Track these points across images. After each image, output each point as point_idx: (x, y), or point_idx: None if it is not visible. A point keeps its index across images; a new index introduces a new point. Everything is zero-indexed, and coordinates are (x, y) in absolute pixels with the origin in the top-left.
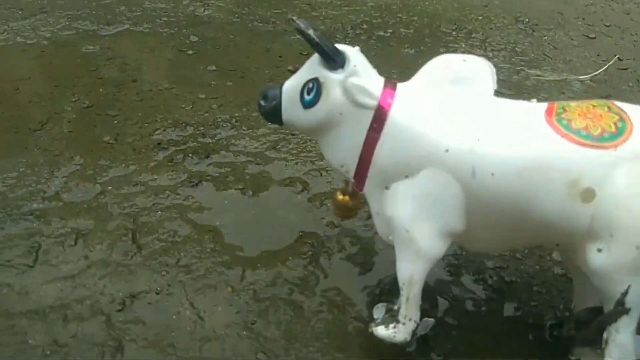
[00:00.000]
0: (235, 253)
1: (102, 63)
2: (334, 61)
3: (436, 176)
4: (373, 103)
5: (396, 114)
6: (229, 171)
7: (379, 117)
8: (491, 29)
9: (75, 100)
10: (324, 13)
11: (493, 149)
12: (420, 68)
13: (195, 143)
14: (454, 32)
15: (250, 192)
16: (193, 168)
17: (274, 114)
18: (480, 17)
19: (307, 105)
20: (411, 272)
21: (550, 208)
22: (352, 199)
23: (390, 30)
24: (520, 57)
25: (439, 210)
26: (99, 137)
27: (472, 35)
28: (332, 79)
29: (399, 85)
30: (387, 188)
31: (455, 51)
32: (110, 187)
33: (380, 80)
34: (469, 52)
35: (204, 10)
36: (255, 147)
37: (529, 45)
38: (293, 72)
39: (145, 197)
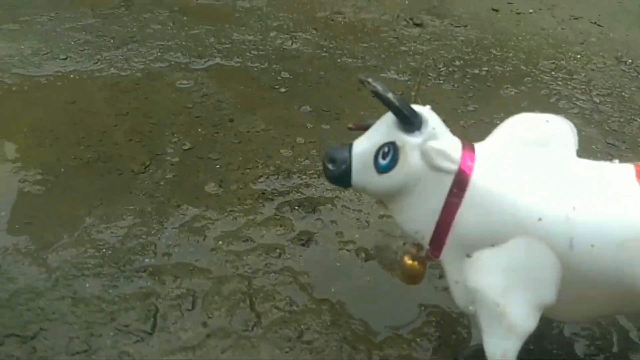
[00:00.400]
0: (358, 329)
1: (197, 100)
2: (412, 124)
3: (529, 246)
4: (454, 167)
5: (479, 178)
6: (338, 229)
7: (460, 181)
8: (592, 69)
9: (175, 141)
10: (412, 48)
11: (592, 218)
12: (523, 111)
13: (299, 194)
14: (552, 72)
15: (363, 255)
16: (300, 223)
17: (343, 178)
18: (579, 56)
19: (383, 170)
20: (503, 349)
21: None
22: (420, 264)
23: (485, 68)
24: (629, 105)
25: (533, 283)
26: (203, 183)
27: (573, 77)
28: (411, 143)
29: (477, 146)
30: (468, 256)
31: (558, 94)
32: (220, 243)
33: (457, 142)
34: (573, 96)
35: (292, 43)
36: (361, 202)
37: (636, 90)
38: (355, 129)
39: (257, 256)
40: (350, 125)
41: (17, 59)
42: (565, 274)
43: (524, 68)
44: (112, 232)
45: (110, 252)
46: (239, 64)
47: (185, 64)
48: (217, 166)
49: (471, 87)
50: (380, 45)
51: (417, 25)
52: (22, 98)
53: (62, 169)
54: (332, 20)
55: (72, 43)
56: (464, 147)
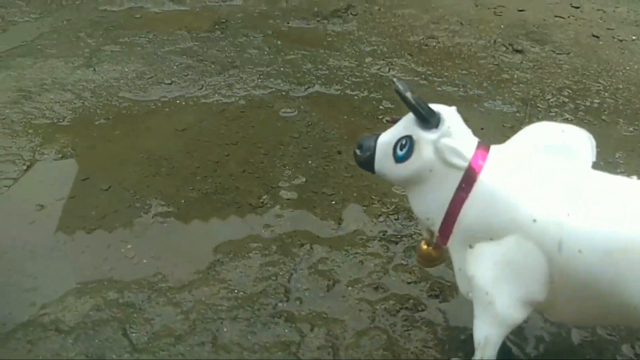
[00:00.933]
0: None
1: (303, 129)
2: (428, 122)
3: (521, 244)
4: (463, 164)
5: (486, 177)
6: None
7: (469, 178)
8: None
9: (288, 174)
10: (515, 76)
11: (583, 225)
12: None
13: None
14: None
15: None
16: (431, 270)
17: (368, 163)
18: None
19: (399, 159)
20: (486, 334)
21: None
22: (435, 250)
23: (596, 101)
24: None
25: (521, 278)
26: (322, 220)
27: None
28: (425, 138)
29: (493, 149)
30: (470, 246)
31: None
32: (350, 289)
33: (474, 141)
34: None
35: (389, 69)
36: None
37: None
38: (390, 122)
39: (391, 306)
40: (387, 119)
41: (122, 82)
42: (554, 276)
43: (636, 101)
44: (241, 272)
45: (242, 293)
46: (338, 92)
47: (286, 91)
48: (333, 202)
49: (585, 122)
50: (480, 72)
51: (518, 51)
52: (133, 123)
53: (182, 200)
54: (426, 45)
55: (175, 67)
56: (478, 147)
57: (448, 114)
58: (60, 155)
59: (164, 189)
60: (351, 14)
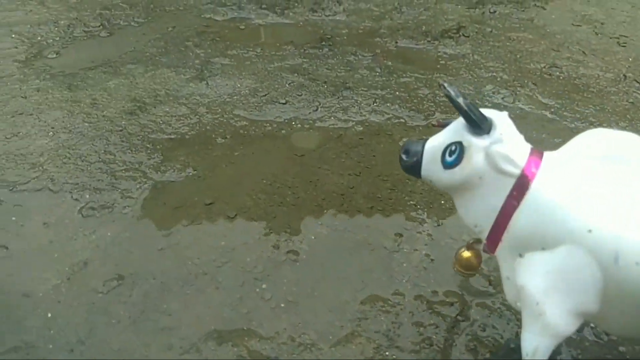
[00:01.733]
0: None
1: None
2: (480, 128)
3: (575, 255)
4: (516, 171)
5: (539, 185)
6: None
7: (521, 185)
8: None
9: (421, 216)
10: None
11: None
12: None
13: None
14: None
15: None
16: None
17: (414, 169)
18: None
19: (448, 165)
20: (536, 345)
21: None
22: (476, 258)
23: None
24: None
25: (574, 289)
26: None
27: None
28: (477, 144)
29: (546, 155)
30: (520, 255)
31: None
32: None
33: (527, 147)
34: None
35: (513, 100)
36: None
37: None
38: (437, 126)
39: None
40: (433, 122)
41: (236, 99)
42: (608, 287)
43: None
44: (389, 329)
45: (394, 356)
46: None
47: (404, 118)
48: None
49: None
50: (614, 110)
51: None
52: (251, 144)
53: (312, 237)
54: (549, 74)
55: (287, 85)
56: (531, 154)
57: (500, 120)
58: (182, 175)
59: (291, 222)
60: (463, 35)
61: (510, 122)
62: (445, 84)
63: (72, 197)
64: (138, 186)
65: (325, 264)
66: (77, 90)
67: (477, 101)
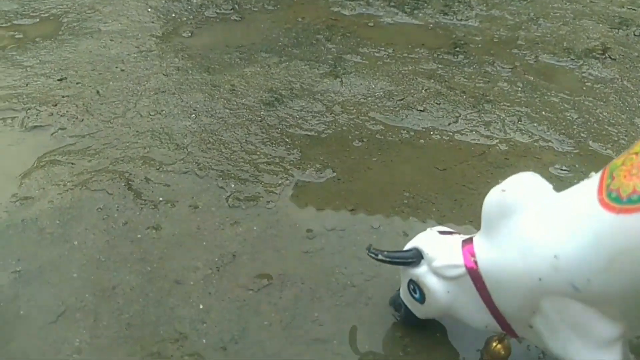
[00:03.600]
0: None
1: None
2: (410, 263)
3: (553, 303)
4: (462, 270)
5: (484, 267)
6: None
7: (475, 277)
8: None
9: None
10: None
11: (571, 260)
12: None
13: None
14: None
15: None
16: None
17: (411, 318)
18: None
19: (420, 301)
20: None
21: None
22: (504, 349)
23: None
24: None
25: (580, 330)
26: None
27: None
28: (421, 274)
29: (475, 238)
30: (530, 327)
31: None
32: None
33: (458, 242)
34: None
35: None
36: None
37: None
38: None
39: None
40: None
41: (371, 100)
42: (598, 307)
43: None
44: None
45: None
46: (615, 153)
47: (554, 142)
48: None
49: None
50: None
51: None
52: (389, 151)
53: None
54: None
55: (424, 92)
56: (463, 245)
57: (422, 242)
58: (322, 176)
59: None
60: (610, 57)
61: (432, 232)
62: (367, 251)
63: (217, 184)
64: (280, 182)
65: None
66: (216, 74)
67: (632, 133)
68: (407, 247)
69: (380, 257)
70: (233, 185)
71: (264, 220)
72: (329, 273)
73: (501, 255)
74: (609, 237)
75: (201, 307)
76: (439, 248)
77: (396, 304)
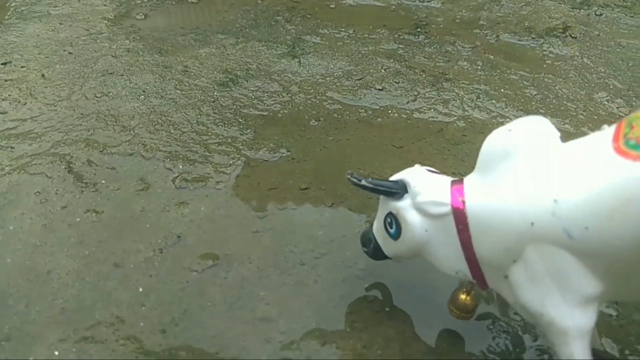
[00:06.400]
0: None
1: None
2: (394, 194)
3: (539, 250)
4: (446, 209)
5: (472, 208)
6: None
7: (459, 217)
8: None
9: None
10: None
11: (572, 206)
12: None
13: None
14: None
15: None
16: None
17: (378, 254)
18: None
19: (395, 236)
20: (570, 352)
21: None
22: (472, 300)
23: None
24: None
25: (562, 282)
26: None
27: None
28: (402, 206)
29: (466, 179)
30: (505, 277)
31: None
32: None
33: (447, 181)
34: None
35: (629, 111)
36: None
37: None
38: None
39: None
40: (347, 174)
41: (329, 80)
42: (587, 262)
43: None
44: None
45: None
46: (573, 129)
47: (512, 118)
48: None
49: None
50: None
51: None
52: (345, 129)
53: None
54: None
55: (383, 71)
56: (452, 185)
57: (410, 175)
58: (275, 155)
59: None
60: (570, 35)
61: (421, 169)
62: (348, 174)
63: (165, 166)
64: (231, 162)
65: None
66: (168, 55)
67: (590, 108)
68: (392, 179)
69: (363, 182)
70: (181, 167)
71: (213, 200)
72: (278, 252)
73: (494, 197)
74: (622, 184)
75: (141, 290)
76: (425, 184)
77: (365, 238)
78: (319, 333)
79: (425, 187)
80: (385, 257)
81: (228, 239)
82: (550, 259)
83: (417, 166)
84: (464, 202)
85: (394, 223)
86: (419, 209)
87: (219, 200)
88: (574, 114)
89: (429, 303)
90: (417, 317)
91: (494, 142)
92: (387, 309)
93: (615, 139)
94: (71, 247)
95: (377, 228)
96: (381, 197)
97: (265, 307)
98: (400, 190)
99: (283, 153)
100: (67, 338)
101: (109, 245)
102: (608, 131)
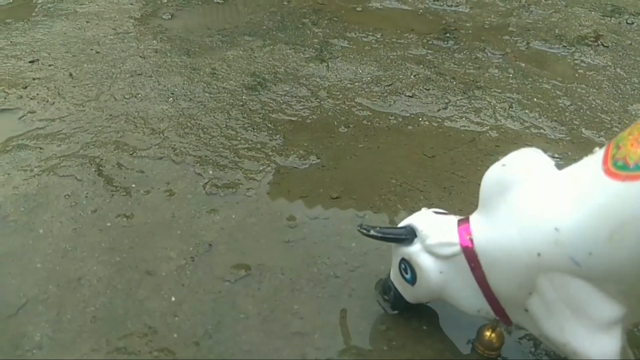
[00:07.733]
0: None
1: None
2: (404, 240)
3: (551, 280)
4: (456, 249)
5: (480, 245)
6: None
7: (470, 256)
8: None
9: None
10: None
11: (573, 233)
12: None
13: None
14: None
15: None
16: None
17: (400, 302)
18: None
19: (411, 282)
20: None
21: None
22: (497, 338)
23: None
24: None
25: (579, 309)
26: None
27: None
28: (414, 252)
29: (471, 217)
30: (526, 310)
31: None
32: None
33: (453, 221)
34: None
35: None
36: None
37: None
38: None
39: None
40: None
41: (358, 86)
42: (599, 285)
43: None
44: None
45: None
46: (608, 141)
47: (546, 129)
48: None
49: None
50: None
51: None
52: (376, 137)
53: None
54: None
55: (413, 77)
56: (459, 224)
57: (417, 219)
58: (305, 162)
59: None
60: (603, 44)
61: (428, 212)
62: (358, 228)
63: (195, 171)
64: (261, 168)
65: None
66: (195, 57)
67: (625, 121)
68: (400, 225)
69: (372, 233)
70: (211, 172)
71: (243, 208)
72: (311, 263)
73: (498, 232)
74: (614, 206)
75: (173, 299)
76: (433, 226)
77: (385, 286)
78: (356, 351)
79: (433, 229)
80: (405, 305)
81: (259, 248)
82: (563, 288)
83: (424, 209)
84: (472, 240)
85: (408, 269)
86: (430, 251)
87: (250, 207)
88: (609, 126)
89: (466, 324)
90: (456, 337)
91: (490, 178)
92: (424, 327)
93: (605, 160)
94: (102, 253)
95: (395, 275)
96: (392, 244)
97: (300, 321)
98: (409, 235)
99: (313, 160)
100: (99, 348)
101: (140, 252)
102: (599, 154)
